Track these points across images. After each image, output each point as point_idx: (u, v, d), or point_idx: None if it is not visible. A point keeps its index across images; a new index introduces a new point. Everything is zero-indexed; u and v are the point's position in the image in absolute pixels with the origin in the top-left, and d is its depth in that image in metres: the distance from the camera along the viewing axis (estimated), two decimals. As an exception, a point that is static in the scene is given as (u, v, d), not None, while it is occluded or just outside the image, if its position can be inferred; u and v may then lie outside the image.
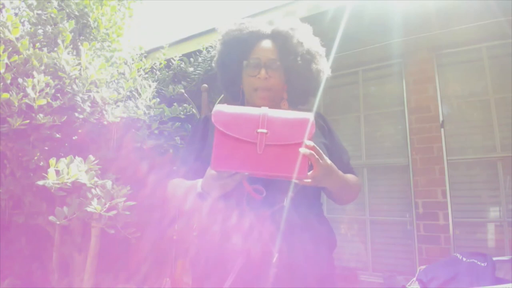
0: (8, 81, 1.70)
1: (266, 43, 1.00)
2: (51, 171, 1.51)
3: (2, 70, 1.67)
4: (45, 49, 1.98)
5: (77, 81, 1.91)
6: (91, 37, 2.31)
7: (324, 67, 1.07)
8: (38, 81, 1.69)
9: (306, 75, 1.02)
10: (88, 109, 1.96)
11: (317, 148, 0.76)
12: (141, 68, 2.43)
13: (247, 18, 1.07)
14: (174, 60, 2.79)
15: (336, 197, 1.00)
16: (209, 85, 2.49)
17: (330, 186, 0.87)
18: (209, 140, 1.00)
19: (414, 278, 2.00)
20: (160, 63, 2.77)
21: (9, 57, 1.73)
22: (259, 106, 0.93)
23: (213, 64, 1.19)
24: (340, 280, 2.70)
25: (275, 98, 1.00)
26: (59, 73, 1.85)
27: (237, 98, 1.10)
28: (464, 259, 1.93)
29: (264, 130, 0.75)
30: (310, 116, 0.79)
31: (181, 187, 0.96)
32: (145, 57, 2.81)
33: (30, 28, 2.13)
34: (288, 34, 1.00)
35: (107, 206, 1.64)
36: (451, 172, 2.59)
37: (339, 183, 0.89)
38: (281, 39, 1.00)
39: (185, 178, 0.97)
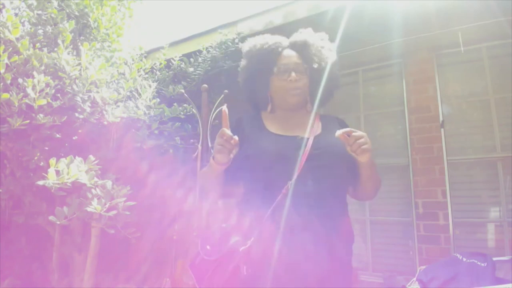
0: (8, 81, 1.70)
1: (289, 52, 1.12)
2: (51, 171, 1.51)
3: (2, 70, 1.67)
4: (45, 49, 1.97)
5: (77, 81, 1.91)
6: (91, 37, 2.31)
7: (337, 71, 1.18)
8: (38, 81, 1.69)
9: (325, 77, 1.12)
10: (88, 109, 1.96)
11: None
12: (141, 68, 2.43)
13: (266, 34, 1.19)
14: (174, 60, 2.79)
15: (364, 187, 1.08)
16: (209, 85, 2.49)
17: (368, 162, 1.00)
18: (246, 140, 1.03)
19: (414, 278, 2.00)
20: (160, 63, 2.77)
21: (9, 57, 1.73)
22: (291, 103, 1.10)
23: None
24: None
25: (303, 96, 1.11)
26: (59, 73, 1.85)
27: (264, 103, 1.16)
28: (464, 259, 1.93)
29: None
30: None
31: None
32: (145, 57, 2.80)
33: (30, 28, 2.13)
34: (307, 42, 1.12)
35: (107, 206, 1.64)
36: (451, 172, 2.59)
37: (373, 166, 1.03)
38: (300, 47, 1.12)
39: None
